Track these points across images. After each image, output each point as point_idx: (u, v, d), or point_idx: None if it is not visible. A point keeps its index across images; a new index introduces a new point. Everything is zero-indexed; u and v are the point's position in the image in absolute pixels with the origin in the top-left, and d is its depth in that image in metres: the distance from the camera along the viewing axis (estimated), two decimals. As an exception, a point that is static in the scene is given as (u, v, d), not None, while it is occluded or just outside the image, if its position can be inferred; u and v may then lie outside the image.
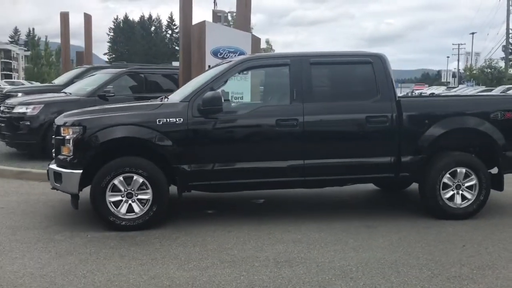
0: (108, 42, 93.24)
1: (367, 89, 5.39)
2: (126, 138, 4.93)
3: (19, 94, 11.55)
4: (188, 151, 4.98)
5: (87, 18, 15.87)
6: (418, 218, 5.43)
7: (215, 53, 9.01)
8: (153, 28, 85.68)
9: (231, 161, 5.09)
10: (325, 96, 5.39)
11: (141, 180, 4.89)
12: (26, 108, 8.76)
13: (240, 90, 7.07)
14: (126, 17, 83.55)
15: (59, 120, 5.26)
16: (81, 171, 4.86)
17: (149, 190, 4.91)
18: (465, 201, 5.42)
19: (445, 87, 54.44)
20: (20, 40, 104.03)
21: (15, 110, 8.85)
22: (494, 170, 5.69)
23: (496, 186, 5.61)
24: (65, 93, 9.95)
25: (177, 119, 4.96)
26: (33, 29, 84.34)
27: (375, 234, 4.89)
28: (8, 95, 11.98)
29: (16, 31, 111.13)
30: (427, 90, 51.29)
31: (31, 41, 68.78)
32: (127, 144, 4.99)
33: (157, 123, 4.92)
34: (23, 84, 33.42)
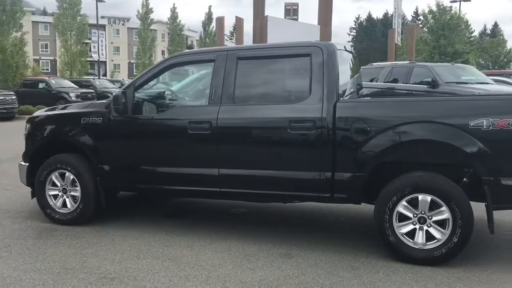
0: (349, 41, 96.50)
1: (299, 88, 4.40)
2: (56, 136, 5.16)
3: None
4: (106, 151, 4.92)
5: (239, 22, 16.67)
6: (372, 255, 4.22)
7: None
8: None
9: (145, 165, 4.81)
10: (249, 97, 4.59)
11: (71, 177, 5.07)
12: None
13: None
14: (369, 16, 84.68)
15: None
16: (27, 164, 5.31)
17: (78, 188, 5.06)
18: (431, 242, 3.97)
19: None
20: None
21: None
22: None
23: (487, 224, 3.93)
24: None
25: (97, 119, 4.95)
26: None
27: (266, 264, 4.01)
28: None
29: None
30: None
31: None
32: (59, 142, 5.22)
33: (81, 122, 5.01)
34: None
